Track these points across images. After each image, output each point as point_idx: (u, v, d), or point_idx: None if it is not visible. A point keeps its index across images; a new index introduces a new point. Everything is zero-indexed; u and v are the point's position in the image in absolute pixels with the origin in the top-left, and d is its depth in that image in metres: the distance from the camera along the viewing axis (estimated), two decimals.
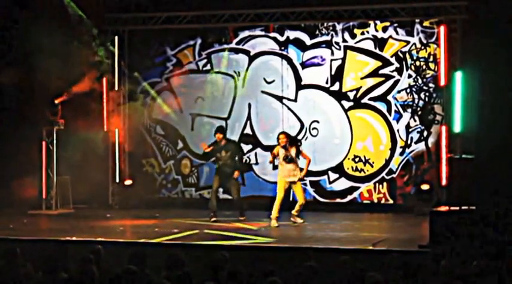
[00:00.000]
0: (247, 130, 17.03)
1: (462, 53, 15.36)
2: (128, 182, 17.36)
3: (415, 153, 16.11)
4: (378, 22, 16.18)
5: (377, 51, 16.23)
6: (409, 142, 16.12)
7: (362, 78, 16.34)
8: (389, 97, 16.18)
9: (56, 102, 16.57)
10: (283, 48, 16.78)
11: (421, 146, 16.08)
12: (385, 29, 16.17)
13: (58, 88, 16.43)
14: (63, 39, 16.10)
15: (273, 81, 16.86)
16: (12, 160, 16.53)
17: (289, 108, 16.78)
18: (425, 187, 15.75)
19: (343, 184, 16.51)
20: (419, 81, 16.02)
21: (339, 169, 16.50)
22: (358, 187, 16.42)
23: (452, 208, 11.52)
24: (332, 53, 16.47)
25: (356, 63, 16.38)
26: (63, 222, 15.01)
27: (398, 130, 16.15)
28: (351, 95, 16.39)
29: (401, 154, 16.16)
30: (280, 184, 14.24)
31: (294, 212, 14.33)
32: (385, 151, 16.25)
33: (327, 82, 16.52)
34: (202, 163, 17.16)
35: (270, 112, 16.89)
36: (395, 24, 16.10)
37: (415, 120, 16.08)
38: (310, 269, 7.59)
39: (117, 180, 17.37)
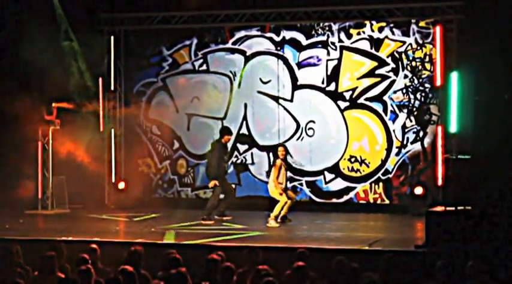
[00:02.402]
0: (243, 130, 17.02)
1: (458, 53, 15.37)
2: (121, 185, 17.31)
3: (411, 153, 16.12)
4: (373, 22, 16.19)
5: (373, 51, 16.23)
6: (405, 142, 16.13)
7: (358, 78, 16.34)
8: (385, 98, 16.19)
9: (54, 105, 16.56)
10: (279, 48, 16.78)
11: (417, 146, 16.09)
12: (381, 29, 16.18)
13: (54, 88, 16.42)
14: (56, 40, 16.15)
15: (269, 81, 16.85)
16: (8, 160, 16.51)
17: (285, 108, 16.78)
18: (418, 191, 15.74)
19: (339, 184, 16.51)
20: (415, 81, 16.03)
21: (334, 169, 16.50)
22: (354, 188, 16.42)
23: (448, 208, 11.52)
24: (328, 53, 16.48)
25: (352, 63, 16.38)
26: (59, 222, 14.99)
27: (394, 131, 16.16)
28: (347, 95, 16.39)
29: (397, 154, 16.16)
30: (276, 194, 14.31)
31: (283, 213, 14.34)
32: (381, 152, 16.25)
33: (323, 83, 16.52)
34: (198, 163, 17.14)
35: (266, 113, 16.89)
36: (391, 25, 16.11)
37: (411, 120, 16.09)
38: (301, 269, 7.61)
39: (113, 180, 17.35)
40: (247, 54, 16.92)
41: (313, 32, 16.59)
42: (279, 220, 14.22)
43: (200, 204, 15.69)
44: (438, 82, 15.54)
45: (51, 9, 16.70)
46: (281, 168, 14.32)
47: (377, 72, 16.22)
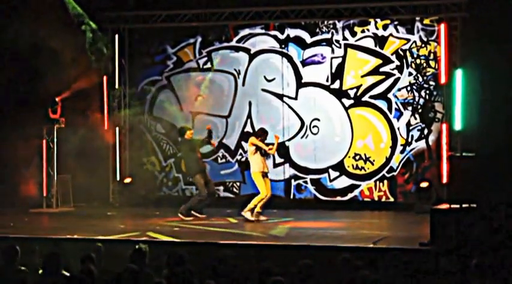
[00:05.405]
0: (248, 128, 17.02)
1: (462, 50, 15.37)
2: (128, 180, 17.36)
3: (416, 151, 16.11)
4: (378, 20, 16.17)
5: (377, 49, 16.23)
6: (409, 140, 16.12)
7: (362, 76, 16.34)
8: (390, 95, 16.18)
9: (57, 99, 16.58)
10: (283, 46, 16.78)
11: (422, 144, 16.08)
12: (385, 27, 16.17)
13: (58, 86, 16.43)
14: (60, 36, 16.14)
15: (274, 79, 16.85)
16: (12, 158, 16.53)
17: (289, 106, 16.78)
18: (424, 184, 15.77)
19: (343, 182, 16.51)
20: (420, 79, 16.02)
21: (339, 167, 16.50)
22: (359, 185, 16.42)
23: (453, 206, 11.51)
24: (332, 51, 16.47)
25: (356, 61, 16.37)
26: (63, 220, 15.01)
27: (398, 128, 16.15)
28: (352, 93, 16.39)
29: (401, 152, 16.16)
30: (260, 178, 14.26)
31: (258, 209, 14.28)
32: (385, 149, 16.25)
33: (327, 80, 16.52)
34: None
35: (271, 111, 16.89)
36: (396, 22, 16.10)
37: (415, 118, 16.08)
38: (306, 267, 7.59)
39: (118, 178, 17.38)
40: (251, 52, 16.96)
41: (318, 30, 16.58)
42: (254, 217, 14.21)
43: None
44: (443, 80, 15.57)
45: (56, 8, 16.70)
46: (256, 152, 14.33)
47: (381, 69, 16.21)
